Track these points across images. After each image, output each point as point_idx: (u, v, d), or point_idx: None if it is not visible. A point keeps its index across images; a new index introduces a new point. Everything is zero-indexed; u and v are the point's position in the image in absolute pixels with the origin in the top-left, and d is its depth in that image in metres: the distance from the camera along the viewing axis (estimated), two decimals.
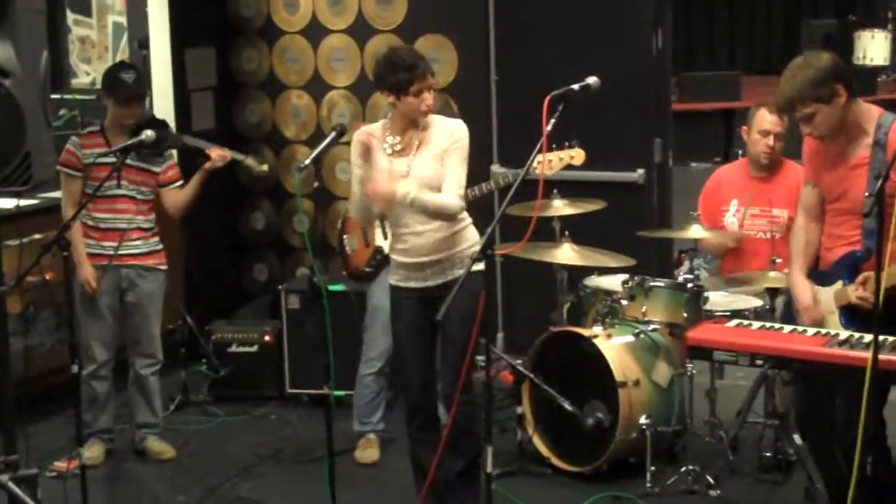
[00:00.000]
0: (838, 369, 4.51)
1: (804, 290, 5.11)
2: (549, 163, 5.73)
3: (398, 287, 5.47)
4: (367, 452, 6.60)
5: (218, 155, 6.64)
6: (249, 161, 6.87)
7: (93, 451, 6.51)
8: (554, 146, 5.80)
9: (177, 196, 6.65)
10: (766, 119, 6.50)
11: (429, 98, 5.26)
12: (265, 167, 6.94)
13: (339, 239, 6.77)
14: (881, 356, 4.24)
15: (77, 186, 6.39)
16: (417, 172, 5.26)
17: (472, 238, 5.38)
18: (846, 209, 4.95)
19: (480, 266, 4.79)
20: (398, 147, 5.34)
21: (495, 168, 7.75)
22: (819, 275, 5.12)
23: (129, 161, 6.39)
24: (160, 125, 6.56)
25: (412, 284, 5.41)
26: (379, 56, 5.48)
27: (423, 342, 5.45)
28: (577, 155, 5.80)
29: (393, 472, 6.37)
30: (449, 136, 5.30)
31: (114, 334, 6.59)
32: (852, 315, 4.88)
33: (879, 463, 4.54)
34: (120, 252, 6.48)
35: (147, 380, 6.69)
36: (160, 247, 6.67)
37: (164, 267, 6.68)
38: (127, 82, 6.46)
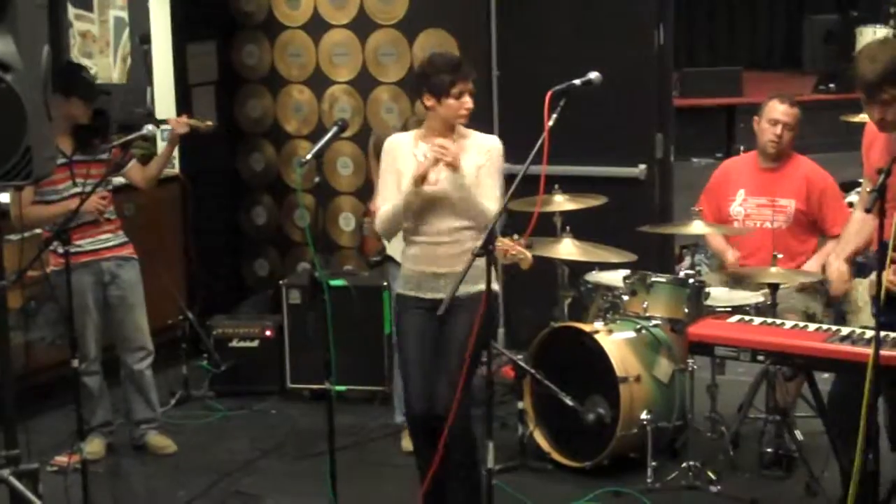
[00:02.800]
0: (839, 364, 4.51)
1: (833, 266, 5.12)
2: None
3: (407, 296, 5.41)
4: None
5: (176, 123, 6.62)
6: (193, 121, 6.77)
7: (93, 446, 6.51)
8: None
9: (142, 173, 6.70)
10: (776, 108, 6.52)
11: (469, 102, 5.22)
12: (209, 122, 6.86)
13: (360, 221, 6.79)
14: (883, 352, 4.24)
15: (28, 192, 6.28)
16: (446, 183, 5.20)
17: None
18: None
19: (481, 286, 4.81)
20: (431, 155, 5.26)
21: None
22: (863, 266, 5.15)
23: (76, 158, 6.39)
24: (99, 114, 6.58)
25: (424, 294, 5.35)
26: (423, 58, 5.50)
27: (427, 352, 5.36)
28: (525, 259, 5.56)
29: (393, 468, 6.38)
30: (485, 152, 5.27)
31: (100, 330, 6.59)
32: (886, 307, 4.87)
33: None
34: (97, 247, 6.49)
35: (142, 374, 6.67)
36: (126, 238, 6.68)
37: (136, 257, 6.69)
38: (92, 81, 6.52)
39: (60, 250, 6.33)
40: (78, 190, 6.37)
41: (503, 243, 5.07)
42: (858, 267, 5.19)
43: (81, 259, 6.42)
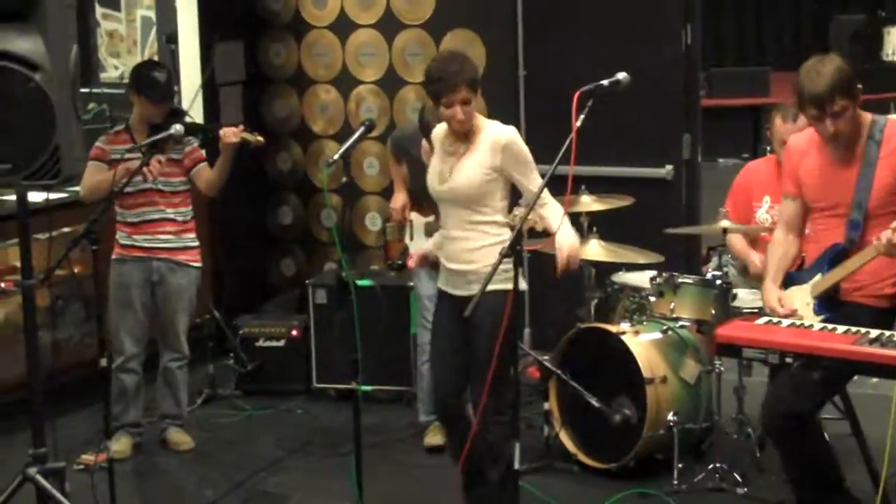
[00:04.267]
0: (868, 367, 4.49)
1: (770, 294, 5.19)
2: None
3: (441, 289, 5.45)
4: (437, 437, 6.58)
5: (227, 133, 6.60)
6: (246, 134, 6.77)
7: (120, 445, 6.54)
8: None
9: (207, 175, 6.65)
10: (782, 129, 6.49)
11: (459, 113, 5.15)
12: (260, 138, 6.86)
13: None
14: None
15: (101, 170, 6.39)
16: (459, 176, 5.21)
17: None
18: (841, 212, 5.04)
19: (508, 285, 4.81)
20: (450, 148, 5.30)
21: None
22: (797, 275, 5.24)
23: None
24: (178, 114, 6.58)
25: (448, 289, 5.39)
26: None
27: (455, 347, 5.36)
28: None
29: (419, 467, 6.38)
30: (502, 147, 5.17)
31: (144, 328, 6.61)
32: (827, 305, 5.02)
33: None
34: (153, 245, 6.52)
35: (174, 373, 6.72)
36: (195, 244, 6.68)
37: (197, 264, 6.69)
38: (161, 81, 6.49)
39: (121, 241, 6.43)
40: (149, 185, 6.45)
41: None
42: (787, 278, 5.28)
43: (133, 253, 6.50)
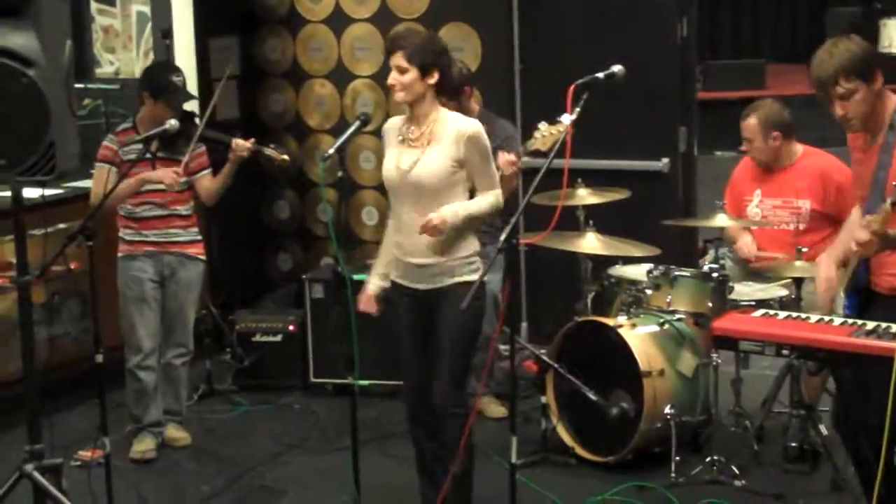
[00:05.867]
0: (865, 359, 4.48)
1: (826, 266, 5.03)
2: (542, 139, 5.64)
3: (396, 283, 5.36)
4: (490, 409, 6.74)
5: (239, 145, 6.62)
6: (270, 151, 6.85)
7: (145, 445, 6.58)
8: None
9: (208, 184, 6.66)
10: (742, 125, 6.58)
11: (395, 75, 5.12)
12: (286, 156, 6.92)
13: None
14: None
15: (112, 176, 6.38)
16: (422, 168, 5.14)
17: (470, 247, 5.22)
18: (865, 204, 4.90)
19: (474, 276, 4.88)
20: (410, 136, 5.22)
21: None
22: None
23: (160, 154, 6.44)
24: (187, 117, 6.58)
25: (406, 283, 5.30)
26: None
27: (418, 344, 5.33)
28: (563, 128, 5.53)
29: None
30: (466, 138, 5.10)
31: (158, 324, 6.61)
32: (854, 303, 4.88)
33: None
34: (163, 239, 6.52)
35: (177, 369, 6.72)
36: (199, 237, 6.71)
37: (203, 257, 6.73)
38: (180, 86, 6.53)
39: (128, 238, 6.42)
40: (158, 187, 6.45)
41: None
42: None
43: (145, 248, 6.51)
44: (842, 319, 4.71)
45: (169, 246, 6.56)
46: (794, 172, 6.57)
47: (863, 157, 4.88)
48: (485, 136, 5.17)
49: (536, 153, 5.69)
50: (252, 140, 6.68)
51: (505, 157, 5.82)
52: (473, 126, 5.15)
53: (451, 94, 6.32)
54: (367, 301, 5.42)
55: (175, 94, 6.51)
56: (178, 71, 6.72)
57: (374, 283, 5.45)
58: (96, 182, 6.42)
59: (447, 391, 5.19)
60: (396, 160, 5.22)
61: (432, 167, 5.11)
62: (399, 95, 5.15)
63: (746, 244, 6.57)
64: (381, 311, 5.46)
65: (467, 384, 5.33)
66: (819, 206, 6.46)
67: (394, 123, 5.35)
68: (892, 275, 4.70)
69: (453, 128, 5.13)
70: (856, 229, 4.60)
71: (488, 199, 5.17)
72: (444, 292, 5.15)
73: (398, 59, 5.10)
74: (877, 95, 4.76)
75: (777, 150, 6.54)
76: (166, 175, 6.38)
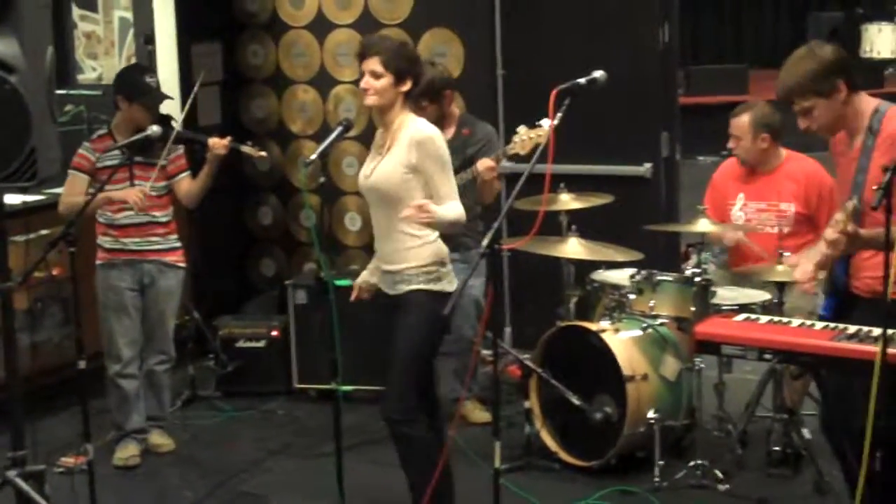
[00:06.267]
0: (846, 363, 4.49)
1: (802, 262, 5.13)
2: (521, 143, 5.66)
3: (379, 289, 5.42)
4: (475, 414, 6.72)
5: (215, 143, 6.60)
6: (247, 148, 6.81)
7: (128, 452, 6.57)
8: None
9: (188, 186, 6.64)
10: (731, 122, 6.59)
11: (363, 83, 5.14)
12: (263, 153, 6.90)
13: None
14: (890, 350, 4.23)
15: (81, 184, 6.37)
16: (378, 174, 5.18)
17: (430, 256, 5.21)
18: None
19: (431, 285, 4.99)
20: (379, 141, 5.30)
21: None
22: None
23: (138, 159, 6.40)
24: (165, 120, 6.56)
25: (384, 289, 5.36)
26: None
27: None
28: (543, 133, 5.56)
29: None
30: (416, 143, 5.12)
31: (138, 331, 6.59)
32: (832, 304, 4.92)
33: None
34: (142, 248, 6.50)
35: (159, 375, 6.71)
36: (179, 244, 6.69)
37: (183, 265, 6.70)
38: (154, 87, 6.50)
39: (107, 245, 6.39)
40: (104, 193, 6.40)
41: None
42: None
43: (124, 256, 6.48)
44: (824, 324, 4.72)
45: (148, 254, 6.54)
46: (779, 176, 6.58)
47: (843, 161, 4.89)
48: (439, 144, 5.18)
49: (516, 157, 5.71)
50: (229, 138, 6.65)
51: (484, 163, 5.82)
52: (426, 132, 5.16)
53: (432, 97, 6.35)
54: (354, 290, 5.50)
55: (150, 95, 6.48)
56: (151, 72, 6.71)
57: (362, 275, 5.54)
58: (67, 190, 6.38)
59: (390, 400, 5.23)
60: (366, 167, 5.30)
61: (387, 173, 5.16)
62: (371, 99, 5.17)
63: (731, 231, 6.58)
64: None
65: (410, 397, 5.24)
66: (804, 209, 6.47)
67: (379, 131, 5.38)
68: (872, 277, 4.69)
69: (407, 133, 5.16)
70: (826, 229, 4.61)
71: (454, 209, 5.14)
72: (399, 300, 5.21)
73: (373, 64, 5.13)
74: (843, 104, 4.75)
75: (763, 152, 6.55)
76: (130, 195, 6.31)
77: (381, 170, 5.18)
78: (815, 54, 4.77)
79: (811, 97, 4.73)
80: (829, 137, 4.90)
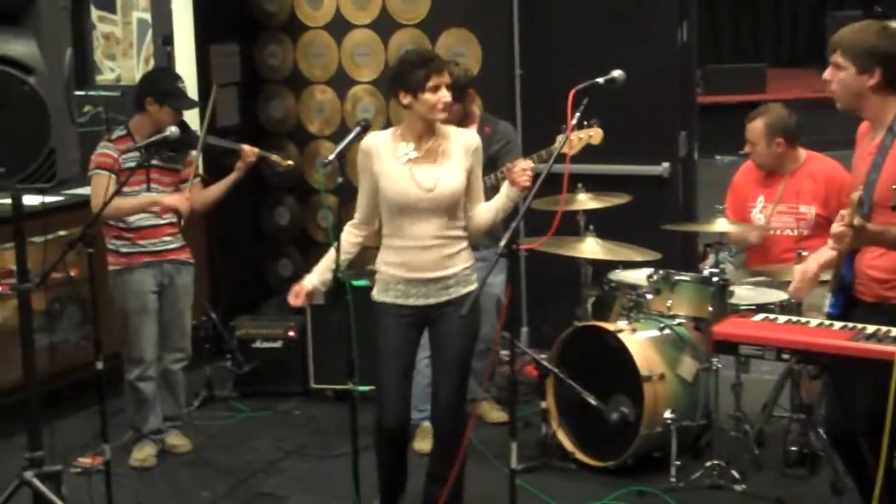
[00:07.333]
0: (865, 363, 4.48)
1: (807, 261, 5.15)
2: (574, 141, 5.66)
3: (391, 304, 5.33)
4: (426, 443, 6.48)
5: (250, 150, 6.65)
6: (274, 157, 6.89)
7: (145, 453, 6.58)
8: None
9: (198, 192, 6.65)
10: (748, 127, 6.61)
11: (446, 95, 5.16)
12: (290, 162, 6.97)
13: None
14: None
15: (112, 183, 6.34)
16: (446, 184, 5.19)
17: (469, 257, 5.35)
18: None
19: (473, 286, 5.03)
20: (415, 155, 5.23)
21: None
22: None
23: (155, 162, 6.41)
24: (182, 126, 6.57)
25: (412, 302, 5.29)
26: (395, 61, 5.50)
27: (406, 366, 5.36)
28: (596, 134, 5.62)
29: (417, 467, 6.36)
30: (473, 150, 5.26)
31: (157, 333, 6.60)
32: (840, 302, 4.89)
33: None
34: (160, 248, 6.52)
35: (175, 374, 6.72)
36: (185, 242, 6.70)
37: (192, 261, 6.73)
38: (185, 92, 6.55)
39: (123, 249, 6.40)
40: (151, 194, 6.46)
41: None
42: None
43: (143, 259, 6.49)
44: (842, 324, 4.70)
45: (165, 254, 6.55)
46: (799, 178, 6.56)
47: (860, 153, 4.87)
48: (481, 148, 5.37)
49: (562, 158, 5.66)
50: (256, 150, 6.72)
51: (520, 164, 5.64)
52: (476, 138, 5.35)
53: (457, 96, 6.35)
54: (297, 295, 5.44)
55: (182, 100, 6.53)
56: (178, 76, 6.74)
57: (310, 280, 5.46)
58: (97, 191, 6.32)
59: (457, 407, 5.33)
60: (411, 179, 5.20)
61: (455, 182, 5.20)
62: (443, 115, 5.22)
63: (751, 231, 6.57)
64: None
65: (465, 397, 5.42)
66: (824, 211, 6.44)
67: (380, 140, 5.31)
68: (877, 281, 4.70)
69: (461, 141, 5.26)
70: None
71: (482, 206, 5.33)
72: (454, 303, 5.21)
73: (446, 77, 5.21)
74: (869, 89, 4.70)
75: (780, 156, 6.54)
76: (180, 202, 6.36)
77: (447, 180, 5.19)
78: (878, 33, 4.71)
79: (847, 60, 4.69)
80: (840, 107, 4.84)
